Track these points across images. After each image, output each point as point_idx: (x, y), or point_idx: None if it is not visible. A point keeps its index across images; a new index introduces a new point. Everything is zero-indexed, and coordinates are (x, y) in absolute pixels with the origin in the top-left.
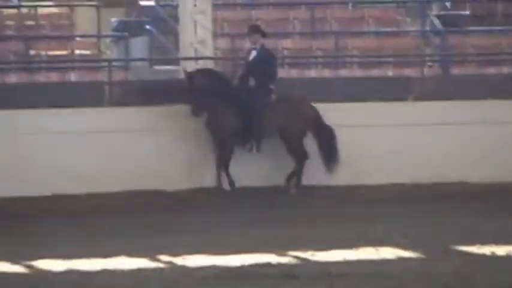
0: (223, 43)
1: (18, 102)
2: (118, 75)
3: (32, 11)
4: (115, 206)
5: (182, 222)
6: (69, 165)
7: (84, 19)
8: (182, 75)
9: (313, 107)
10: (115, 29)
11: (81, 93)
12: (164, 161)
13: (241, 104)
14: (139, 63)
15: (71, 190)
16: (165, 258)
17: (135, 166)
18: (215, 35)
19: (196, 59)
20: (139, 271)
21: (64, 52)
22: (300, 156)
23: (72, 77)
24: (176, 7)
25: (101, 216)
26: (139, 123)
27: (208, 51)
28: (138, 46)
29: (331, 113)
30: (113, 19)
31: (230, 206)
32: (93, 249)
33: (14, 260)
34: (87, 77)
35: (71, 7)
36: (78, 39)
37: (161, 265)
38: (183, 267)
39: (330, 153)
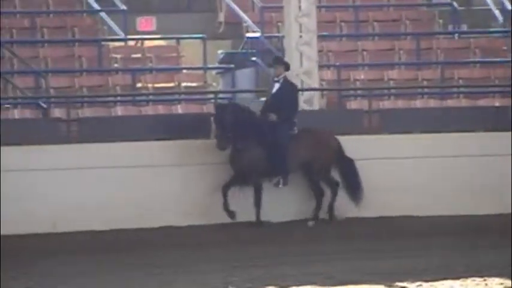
0: (328, 74)
1: (125, 134)
2: None
3: (139, 44)
4: None
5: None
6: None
7: (191, 51)
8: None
9: (336, 139)
10: (221, 61)
11: (188, 125)
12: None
13: (267, 138)
14: (245, 95)
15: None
16: None
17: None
18: (321, 66)
19: (302, 90)
20: None
21: (171, 84)
22: (322, 191)
23: (179, 109)
24: (282, 38)
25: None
26: None
27: (314, 82)
28: (244, 78)
29: (443, 142)
30: (219, 51)
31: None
32: (201, 282)
33: None
34: (194, 109)
35: (178, 40)
36: (184, 71)
37: None
38: None
39: (354, 185)
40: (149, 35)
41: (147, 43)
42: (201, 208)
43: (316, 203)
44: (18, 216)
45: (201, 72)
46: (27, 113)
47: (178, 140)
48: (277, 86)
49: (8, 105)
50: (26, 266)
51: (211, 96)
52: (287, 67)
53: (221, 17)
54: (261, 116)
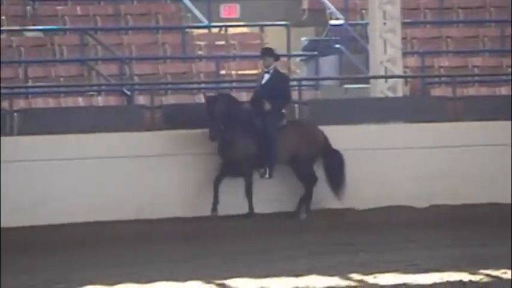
0: (412, 61)
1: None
2: (308, 94)
3: (223, 31)
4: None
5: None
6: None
7: (274, 38)
8: (370, 94)
9: (322, 131)
10: (305, 49)
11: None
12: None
13: (256, 129)
14: (329, 82)
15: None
16: (356, 276)
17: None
18: (404, 53)
19: (386, 77)
20: None
21: (254, 71)
22: (311, 181)
23: None
24: (366, 26)
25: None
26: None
27: (398, 70)
28: (328, 65)
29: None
30: (303, 38)
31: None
32: (282, 268)
33: (206, 280)
34: None
35: (261, 27)
36: None
37: (352, 283)
38: (374, 286)
39: (337, 177)
40: (233, 22)
41: (231, 30)
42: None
43: (306, 194)
44: (104, 203)
45: (284, 59)
46: (112, 100)
47: None
48: (267, 76)
49: (93, 93)
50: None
51: (295, 83)
52: (277, 58)
53: (305, 4)
54: (250, 107)
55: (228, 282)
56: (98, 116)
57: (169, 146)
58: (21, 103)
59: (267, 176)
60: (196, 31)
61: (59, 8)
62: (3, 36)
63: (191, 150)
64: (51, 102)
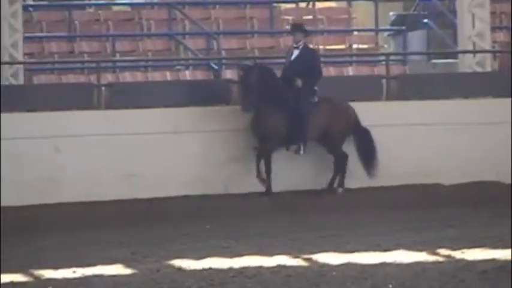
0: (501, 36)
1: None
2: (396, 69)
3: (310, 6)
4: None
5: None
6: None
7: (362, 13)
8: (458, 68)
9: (353, 108)
10: (393, 23)
11: (358, 87)
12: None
13: (289, 105)
14: (417, 57)
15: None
16: (444, 251)
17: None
18: (493, 28)
19: (474, 52)
20: (417, 264)
21: (342, 46)
22: (343, 157)
23: (350, 71)
24: (454, 0)
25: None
26: (419, 118)
27: (486, 45)
28: (416, 40)
29: None
30: (391, 13)
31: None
32: (369, 243)
33: (293, 254)
34: (365, 71)
35: (349, 1)
36: (355, 33)
37: (440, 259)
38: (461, 261)
39: (369, 155)
40: None
41: (319, 4)
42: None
43: (339, 170)
44: (191, 176)
45: (372, 34)
46: (199, 75)
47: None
48: (296, 52)
49: (180, 67)
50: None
51: (383, 58)
52: (306, 34)
53: None
54: (282, 83)
55: (315, 257)
56: (185, 90)
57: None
58: (109, 77)
59: (301, 152)
60: (283, 5)
61: None
62: (90, 10)
63: None
64: (138, 77)
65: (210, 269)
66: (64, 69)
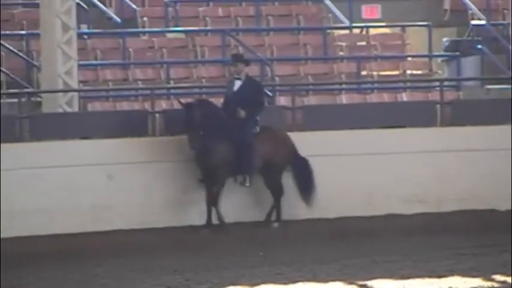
0: None
1: (348, 122)
2: (450, 95)
3: (364, 32)
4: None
5: None
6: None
7: (416, 39)
8: None
9: (290, 138)
10: (446, 49)
11: (412, 113)
12: (496, 182)
13: (234, 136)
14: (471, 83)
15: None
16: (499, 277)
17: (469, 187)
18: None
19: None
20: None
21: (396, 72)
22: (280, 190)
23: (404, 97)
24: (508, 26)
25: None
26: (470, 144)
27: None
28: (470, 66)
29: None
30: (445, 39)
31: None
32: (424, 269)
33: (348, 281)
34: (419, 97)
35: (403, 27)
36: (409, 59)
37: (495, 284)
38: None
39: (307, 185)
40: (374, 22)
41: (372, 31)
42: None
43: (275, 203)
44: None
45: (426, 59)
46: None
47: (402, 127)
48: (238, 83)
49: None
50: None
51: (437, 84)
52: (247, 63)
53: (446, 5)
54: (226, 114)
55: (370, 283)
56: None
57: (312, 146)
58: (163, 104)
59: (247, 183)
60: (337, 32)
61: (200, 9)
62: (144, 37)
63: (334, 151)
64: None
65: None
66: (118, 97)
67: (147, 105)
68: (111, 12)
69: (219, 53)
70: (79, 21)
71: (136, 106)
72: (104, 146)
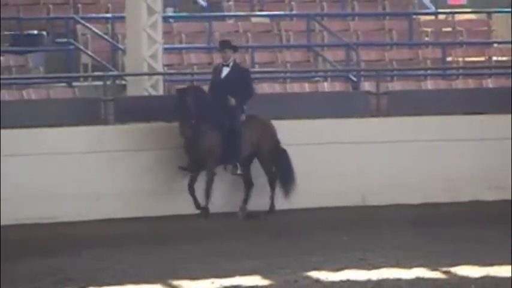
0: None
1: (432, 108)
2: None
3: (450, 18)
4: None
5: None
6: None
7: (502, 25)
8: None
9: (274, 126)
10: None
11: (498, 99)
12: None
13: (223, 124)
14: None
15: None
16: None
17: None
18: None
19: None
20: None
21: (481, 58)
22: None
23: (489, 83)
24: None
25: None
26: None
27: None
28: None
29: None
30: None
31: None
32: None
33: (432, 267)
34: (504, 83)
35: (489, 13)
36: (495, 45)
37: None
38: None
39: (289, 176)
40: (460, 8)
41: (458, 17)
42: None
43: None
44: (331, 188)
45: (511, 46)
46: (337, 86)
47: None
48: (226, 70)
49: (319, 78)
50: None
51: None
52: (235, 49)
53: None
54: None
55: (454, 269)
56: (323, 101)
57: (395, 132)
58: None
59: (238, 171)
60: (423, 17)
61: None
62: (230, 21)
63: (417, 137)
64: (277, 88)
65: (348, 281)
66: (203, 80)
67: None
68: None
69: (303, 37)
70: (165, 5)
71: None
72: None
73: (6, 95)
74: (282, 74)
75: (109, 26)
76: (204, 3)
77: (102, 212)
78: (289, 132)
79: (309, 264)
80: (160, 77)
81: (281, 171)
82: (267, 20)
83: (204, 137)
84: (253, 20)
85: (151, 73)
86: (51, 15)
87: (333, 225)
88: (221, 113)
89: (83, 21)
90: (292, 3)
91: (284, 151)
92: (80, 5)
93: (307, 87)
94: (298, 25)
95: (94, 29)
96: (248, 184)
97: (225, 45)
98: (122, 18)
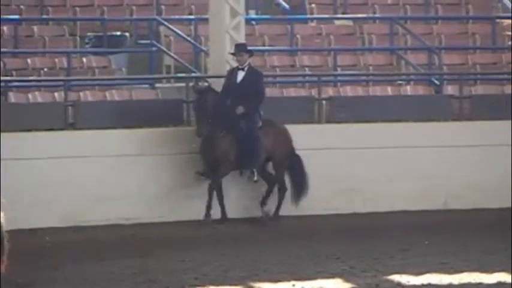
0: None
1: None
2: None
3: None
4: None
5: None
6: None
7: None
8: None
9: (288, 132)
10: None
11: None
12: None
13: (240, 129)
14: None
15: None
16: None
17: None
18: None
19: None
20: None
21: None
22: (284, 187)
23: None
24: None
25: None
26: None
27: None
28: None
29: None
30: None
31: None
32: None
33: None
34: None
35: None
36: None
37: None
38: None
39: (302, 183)
40: None
41: None
42: None
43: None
44: (411, 192)
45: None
46: (420, 90)
47: None
48: (242, 74)
49: (401, 82)
50: None
51: None
52: (251, 54)
53: None
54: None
55: None
56: (406, 105)
57: (478, 136)
58: (330, 91)
59: (255, 178)
60: (506, 21)
61: None
62: (312, 24)
63: (500, 141)
64: (359, 91)
65: (429, 285)
66: (285, 83)
67: (313, 92)
68: None
69: (386, 40)
70: (247, 7)
71: (303, 92)
72: None
73: (89, 95)
74: (365, 77)
75: (192, 27)
76: (286, 6)
77: (182, 214)
78: (371, 135)
79: (391, 268)
80: None
81: (295, 178)
82: (350, 23)
83: (221, 141)
84: (336, 22)
85: None
86: (135, 16)
87: (414, 228)
88: (238, 117)
89: (166, 23)
90: (376, 6)
91: (298, 157)
92: (163, 7)
93: (389, 90)
94: (381, 28)
95: (177, 30)
96: (283, 187)
97: (241, 48)
98: (205, 20)
